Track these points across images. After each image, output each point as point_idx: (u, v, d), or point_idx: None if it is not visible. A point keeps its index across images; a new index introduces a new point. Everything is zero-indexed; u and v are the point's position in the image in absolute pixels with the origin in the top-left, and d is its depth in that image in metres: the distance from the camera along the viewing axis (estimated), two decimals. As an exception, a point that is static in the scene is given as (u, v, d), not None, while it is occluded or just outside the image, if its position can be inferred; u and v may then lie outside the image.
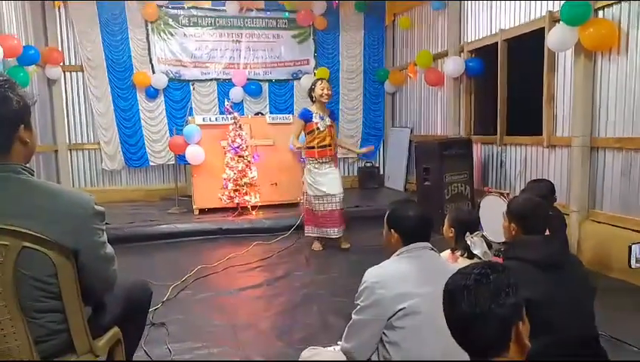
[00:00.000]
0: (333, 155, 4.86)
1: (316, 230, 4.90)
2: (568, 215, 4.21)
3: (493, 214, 3.91)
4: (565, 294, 1.84)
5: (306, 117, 4.74)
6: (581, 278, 1.97)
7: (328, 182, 4.74)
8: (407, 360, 1.63)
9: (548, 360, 1.71)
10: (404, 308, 1.65)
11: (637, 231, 3.75)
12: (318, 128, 4.71)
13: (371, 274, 1.77)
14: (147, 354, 2.71)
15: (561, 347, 1.76)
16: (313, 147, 4.74)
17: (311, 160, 4.78)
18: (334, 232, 4.85)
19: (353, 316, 1.79)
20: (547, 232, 2.22)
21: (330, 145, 4.78)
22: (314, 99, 4.79)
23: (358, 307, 1.77)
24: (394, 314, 1.66)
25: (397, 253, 1.87)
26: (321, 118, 4.74)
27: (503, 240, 2.34)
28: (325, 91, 4.73)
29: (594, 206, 4.25)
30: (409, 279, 1.72)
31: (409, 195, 7.08)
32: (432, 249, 1.87)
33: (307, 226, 4.98)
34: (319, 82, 4.84)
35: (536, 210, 2.12)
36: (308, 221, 4.97)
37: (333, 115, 5.01)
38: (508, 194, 4.91)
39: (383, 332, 1.69)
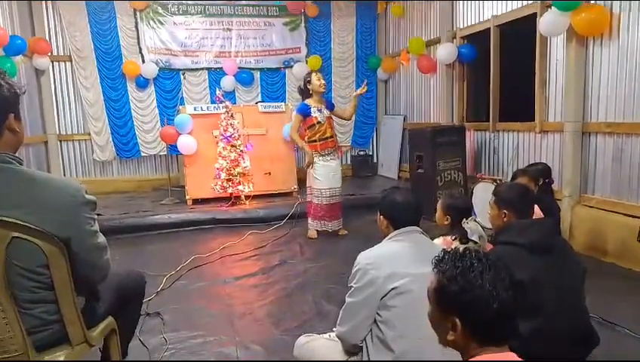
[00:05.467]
0: (335, 147, 4.84)
1: (319, 223, 4.91)
2: (560, 200, 4.24)
3: (486, 201, 3.92)
4: (555, 277, 1.85)
5: (305, 112, 4.70)
6: (571, 262, 1.99)
7: (332, 175, 4.77)
8: (399, 338, 1.66)
9: (536, 344, 1.73)
10: (397, 287, 1.69)
11: (628, 215, 3.79)
12: (318, 122, 4.69)
13: (364, 257, 1.82)
14: (143, 344, 2.71)
15: (549, 331, 1.78)
16: (315, 140, 4.71)
17: (314, 153, 4.74)
18: (334, 226, 4.93)
19: (347, 299, 1.81)
20: (542, 214, 2.23)
21: (331, 137, 4.77)
22: (310, 92, 4.73)
23: (352, 289, 1.79)
24: (387, 294, 1.70)
25: (388, 237, 1.93)
26: (319, 111, 4.71)
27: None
28: (322, 82, 4.71)
29: (586, 190, 4.28)
30: (400, 259, 1.77)
31: (402, 183, 7.10)
32: (422, 233, 1.92)
33: (310, 219, 4.94)
34: (314, 74, 4.79)
35: (523, 194, 2.15)
36: (310, 213, 4.93)
37: (330, 105, 4.93)
38: (501, 180, 4.94)
39: (377, 312, 1.72)
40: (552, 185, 3.84)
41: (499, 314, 1.09)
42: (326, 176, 4.74)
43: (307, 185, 4.96)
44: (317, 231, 4.94)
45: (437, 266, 1.19)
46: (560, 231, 3.93)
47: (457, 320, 1.13)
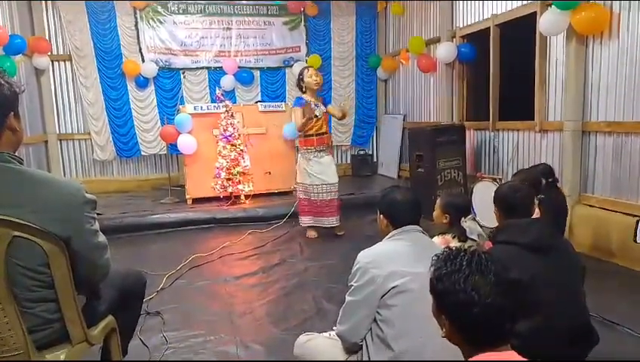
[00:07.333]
0: (329, 143, 4.82)
1: (313, 219, 4.86)
2: (560, 199, 4.24)
3: (485, 200, 3.91)
4: (554, 276, 1.86)
5: (302, 104, 4.67)
6: (571, 260, 2.00)
7: (327, 171, 4.73)
8: (399, 336, 1.66)
9: (536, 343, 1.73)
10: (397, 285, 1.69)
11: (628, 214, 3.79)
12: (316, 116, 4.64)
13: (364, 256, 1.82)
14: (143, 343, 2.71)
15: (549, 330, 1.78)
16: (312, 135, 4.68)
17: (309, 148, 4.72)
18: (331, 222, 4.82)
19: (347, 297, 1.82)
20: (538, 215, 2.23)
21: (327, 133, 4.76)
22: (304, 88, 4.72)
23: (352, 288, 1.80)
24: (387, 292, 1.70)
25: (388, 236, 1.93)
26: (317, 106, 4.69)
27: (496, 225, 2.36)
28: (314, 78, 4.66)
29: (586, 190, 4.28)
30: (400, 258, 1.77)
31: (402, 182, 7.10)
32: (422, 232, 1.92)
33: (303, 216, 4.92)
34: (307, 70, 4.75)
35: (516, 194, 2.13)
36: (304, 210, 4.91)
37: (325, 103, 4.93)
38: (500, 179, 4.95)
39: (377, 311, 1.72)
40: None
41: (482, 319, 1.09)
42: (322, 171, 4.71)
43: (297, 182, 4.90)
44: (313, 227, 4.88)
45: (433, 263, 1.20)
46: (564, 230, 3.92)
47: (445, 319, 1.15)
